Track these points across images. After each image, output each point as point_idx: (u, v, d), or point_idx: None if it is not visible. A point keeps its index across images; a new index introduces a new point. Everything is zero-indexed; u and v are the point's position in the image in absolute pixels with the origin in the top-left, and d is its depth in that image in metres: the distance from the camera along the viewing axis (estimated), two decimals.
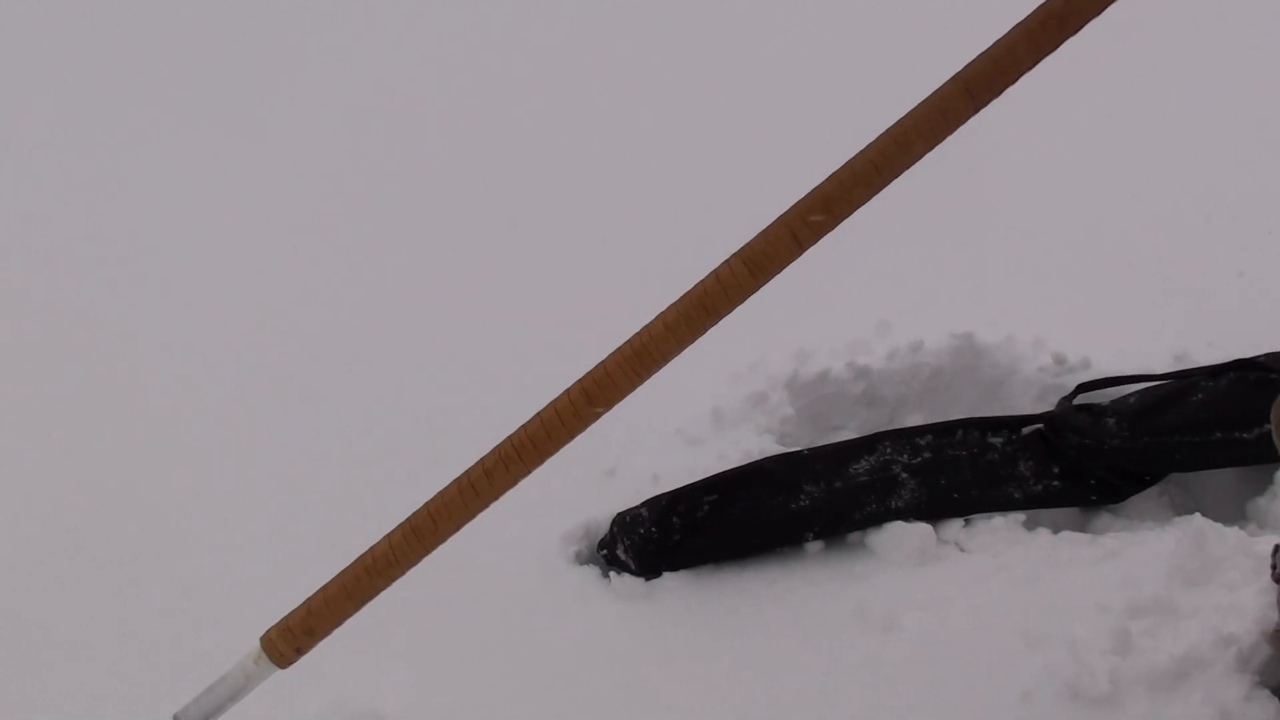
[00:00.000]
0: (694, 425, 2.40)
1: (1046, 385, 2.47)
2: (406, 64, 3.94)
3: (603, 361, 1.36)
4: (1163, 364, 2.39)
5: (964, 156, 3.07)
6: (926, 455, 2.20)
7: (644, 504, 2.11)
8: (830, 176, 1.26)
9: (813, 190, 1.27)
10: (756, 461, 2.18)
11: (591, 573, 2.10)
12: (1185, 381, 2.26)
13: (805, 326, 2.59)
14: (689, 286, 1.35)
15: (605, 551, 2.13)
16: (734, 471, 2.15)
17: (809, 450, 2.21)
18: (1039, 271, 2.71)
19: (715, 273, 1.31)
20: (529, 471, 1.36)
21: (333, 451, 2.42)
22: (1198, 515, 2.09)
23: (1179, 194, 2.92)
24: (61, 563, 2.19)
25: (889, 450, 2.21)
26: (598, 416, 1.32)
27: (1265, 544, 2.01)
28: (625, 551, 2.09)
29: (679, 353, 1.36)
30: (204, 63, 3.84)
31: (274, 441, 2.46)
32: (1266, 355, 2.24)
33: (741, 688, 1.91)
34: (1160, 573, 2.01)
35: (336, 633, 1.97)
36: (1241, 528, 2.08)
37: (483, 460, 1.36)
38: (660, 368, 1.35)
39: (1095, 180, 3.00)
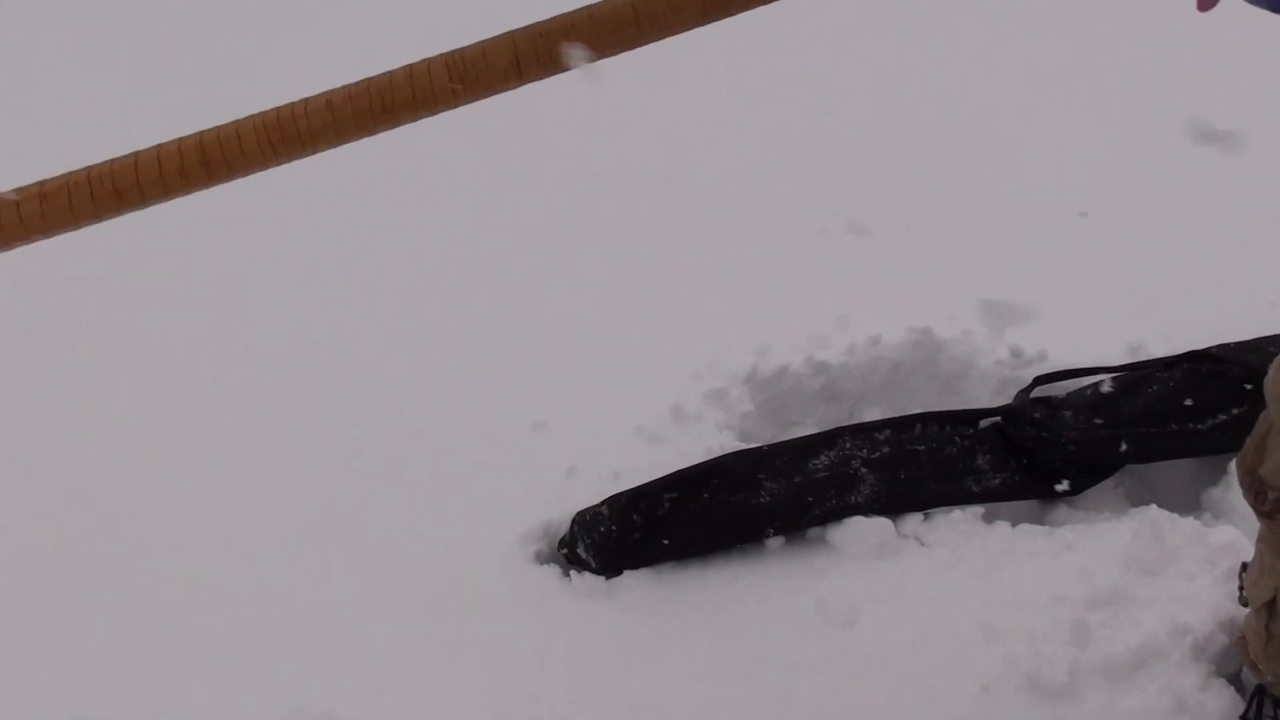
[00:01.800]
0: (654, 423, 2.39)
1: (1004, 378, 2.49)
2: None
3: (237, 121, 1.07)
4: (1118, 356, 2.41)
5: (920, 154, 3.11)
6: (885, 450, 2.20)
7: (604, 502, 2.11)
8: (584, 9, 1.05)
9: (560, 17, 1.04)
10: (717, 458, 2.18)
11: (552, 572, 2.09)
12: (1140, 374, 2.28)
13: (764, 323, 2.59)
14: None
15: (566, 550, 2.12)
16: (694, 468, 2.15)
17: (769, 446, 2.21)
18: (996, 266, 2.72)
19: (410, 67, 1.05)
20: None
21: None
22: (1153, 506, 2.11)
23: (1131, 189, 2.95)
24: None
25: (848, 445, 2.21)
26: (222, 178, 1.05)
27: (1220, 534, 2.04)
28: (586, 550, 2.09)
29: (332, 144, 1.06)
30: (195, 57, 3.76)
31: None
32: (1219, 346, 2.26)
33: (702, 685, 1.91)
34: (1117, 564, 2.03)
35: (296, 638, 1.97)
36: (1196, 518, 2.10)
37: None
38: (306, 152, 1.06)
39: (1048, 176, 3.02)
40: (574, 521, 2.13)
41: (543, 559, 2.14)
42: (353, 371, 2.53)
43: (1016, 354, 2.49)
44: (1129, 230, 2.82)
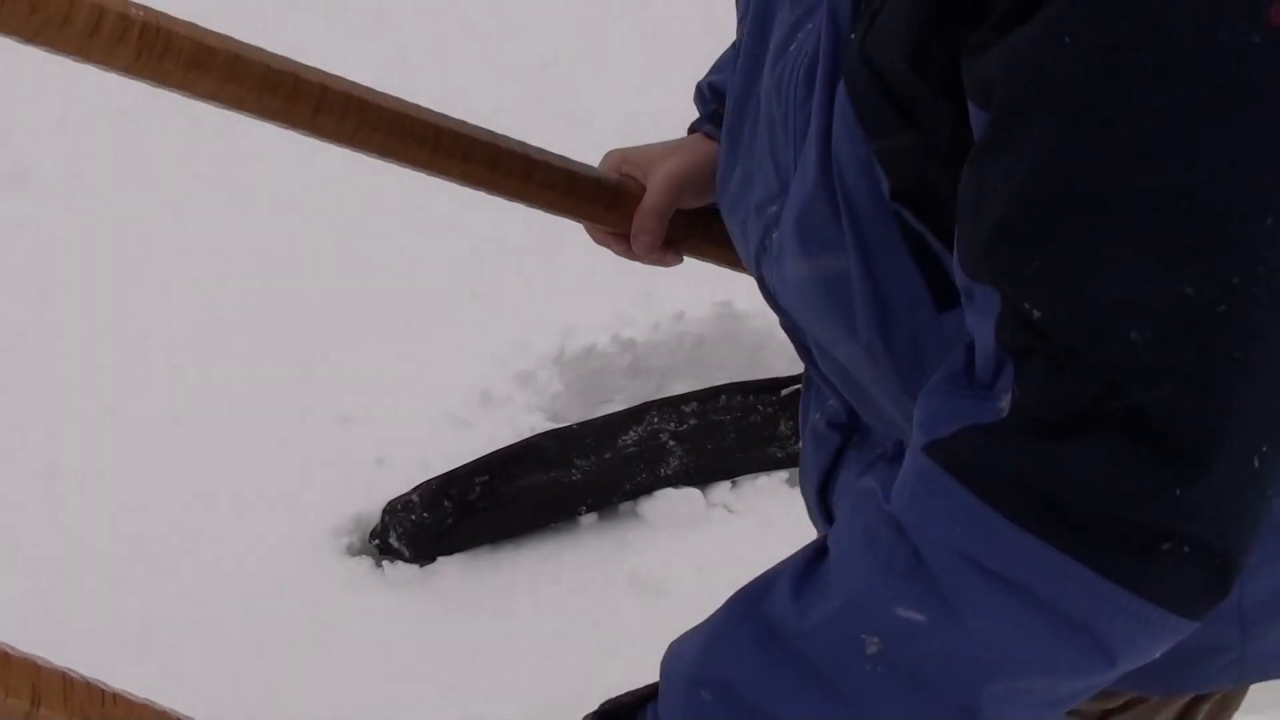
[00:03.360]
0: (462, 407, 2.39)
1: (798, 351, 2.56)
2: None
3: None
4: None
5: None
6: (692, 422, 2.24)
7: (414, 489, 2.09)
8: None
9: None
10: (527, 440, 2.19)
11: (364, 563, 2.07)
12: None
13: (569, 303, 2.60)
14: None
15: (378, 541, 2.10)
16: (505, 450, 2.15)
17: (578, 425, 2.23)
18: None
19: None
20: None
21: None
22: None
23: None
24: None
25: (656, 420, 2.25)
26: None
27: None
28: (398, 539, 2.07)
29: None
30: None
31: None
32: None
33: (517, 664, 1.92)
34: None
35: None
36: None
37: None
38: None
39: None
40: (385, 511, 2.11)
41: (354, 551, 2.11)
42: (146, 365, 2.44)
43: None
44: None
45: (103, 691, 0.80)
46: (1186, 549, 0.62)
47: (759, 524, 2.14)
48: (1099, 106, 0.59)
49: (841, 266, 0.77)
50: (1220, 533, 0.63)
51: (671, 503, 2.13)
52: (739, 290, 2.60)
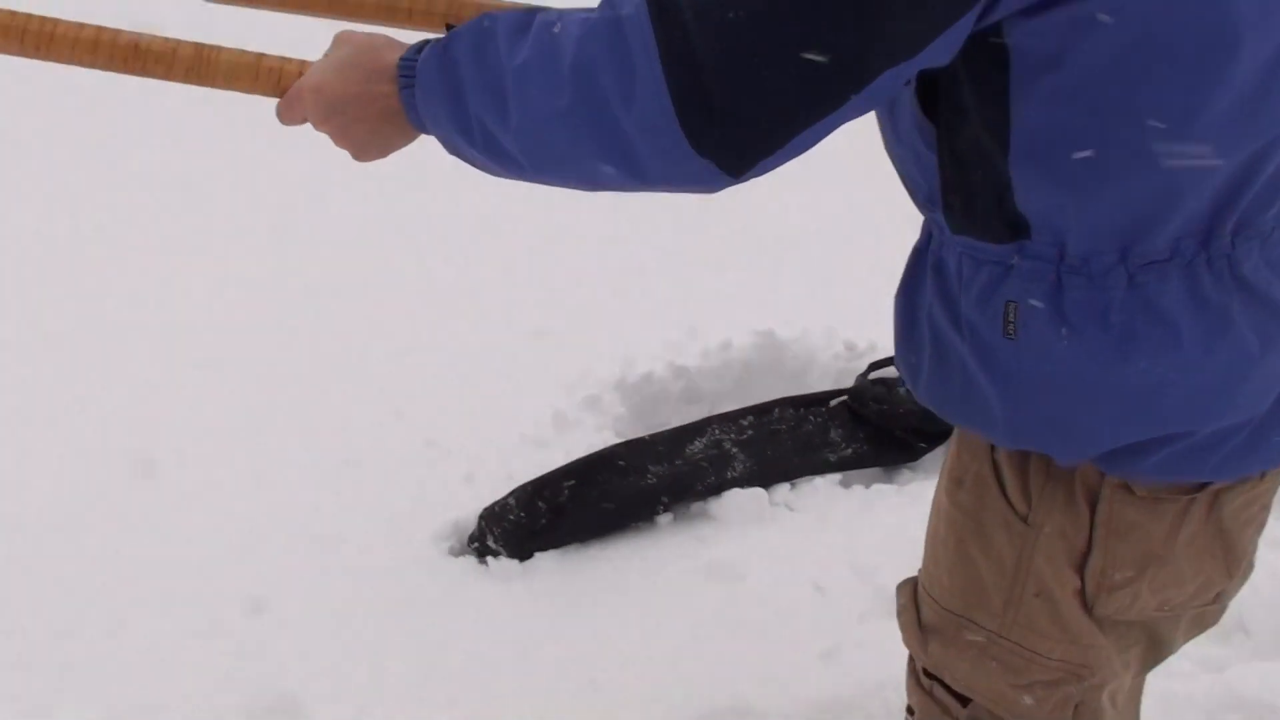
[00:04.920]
0: (537, 429, 2.63)
1: (841, 369, 2.82)
2: None
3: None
4: None
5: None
6: (750, 432, 2.49)
7: (510, 494, 2.33)
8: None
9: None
10: (606, 449, 2.43)
11: (469, 562, 2.30)
12: None
13: (626, 335, 2.87)
14: None
15: (476, 544, 2.32)
16: (588, 457, 2.40)
17: (650, 436, 2.47)
18: (823, 271, 3.07)
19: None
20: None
21: None
22: None
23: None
24: None
25: (717, 431, 2.49)
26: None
27: None
28: (495, 540, 2.30)
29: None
30: None
31: None
32: None
33: (614, 645, 2.14)
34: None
35: (253, 626, 2.12)
36: None
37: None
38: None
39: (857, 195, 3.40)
40: (481, 517, 2.34)
41: (456, 553, 2.34)
42: (254, 393, 2.68)
43: (850, 347, 2.83)
44: None
45: None
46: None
47: (817, 520, 2.38)
48: None
49: None
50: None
51: (739, 501, 2.38)
52: (778, 319, 2.88)
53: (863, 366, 2.71)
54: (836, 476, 2.47)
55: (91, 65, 1.23)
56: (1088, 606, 1.23)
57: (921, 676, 1.35)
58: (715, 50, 0.96)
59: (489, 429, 2.64)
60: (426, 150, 1.23)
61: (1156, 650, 1.31)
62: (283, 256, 3.23)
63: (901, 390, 2.55)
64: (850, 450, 2.50)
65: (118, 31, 1.22)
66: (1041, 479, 1.22)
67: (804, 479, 2.46)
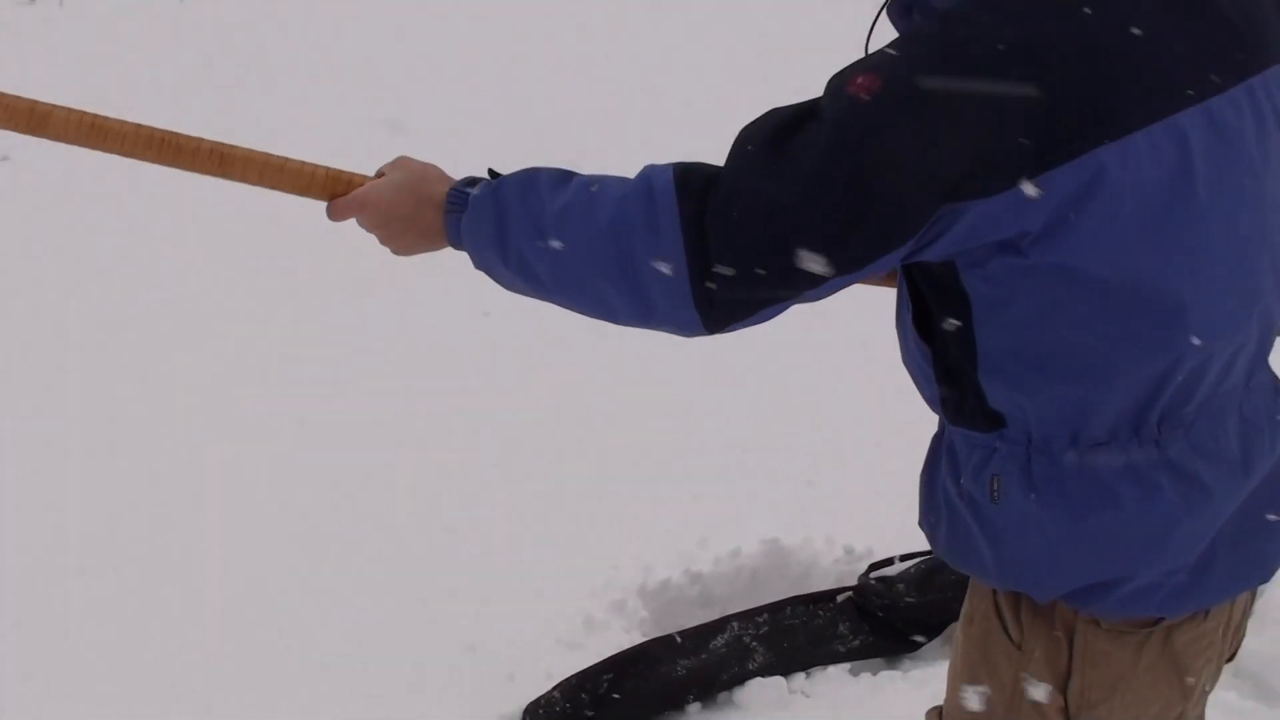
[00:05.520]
0: (570, 633, 2.89)
1: (842, 571, 3.10)
2: None
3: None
4: (925, 543, 3.07)
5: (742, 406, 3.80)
6: (766, 628, 2.76)
7: (555, 688, 2.57)
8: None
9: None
10: (639, 644, 2.69)
11: None
12: None
13: (644, 545, 3.15)
14: None
15: None
16: (624, 653, 2.65)
17: (678, 633, 2.73)
18: (823, 482, 3.39)
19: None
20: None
21: None
22: None
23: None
24: None
25: (737, 627, 2.76)
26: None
27: None
28: None
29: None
30: None
31: None
32: None
33: None
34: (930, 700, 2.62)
35: None
36: None
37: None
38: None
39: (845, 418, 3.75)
40: (526, 711, 2.58)
41: None
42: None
43: (849, 551, 3.12)
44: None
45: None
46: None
47: (831, 705, 2.63)
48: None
49: None
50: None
51: (761, 690, 2.63)
52: (782, 528, 3.17)
53: (860, 568, 3.00)
54: (846, 665, 2.73)
55: (183, 168, 1.55)
56: None
57: None
58: (720, 245, 1.33)
59: (525, 633, 2.90)
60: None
61: None
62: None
63: (900, 586, 2.84)
64: (858, 642, 2.76)
65: (201, 139, 1.56)
66: (1030, 614, 1.52)
67: (817, 668, 2.71)
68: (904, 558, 2.94)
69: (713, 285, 1.33)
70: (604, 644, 2.82)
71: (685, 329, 1.39)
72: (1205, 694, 1.57)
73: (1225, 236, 1.35)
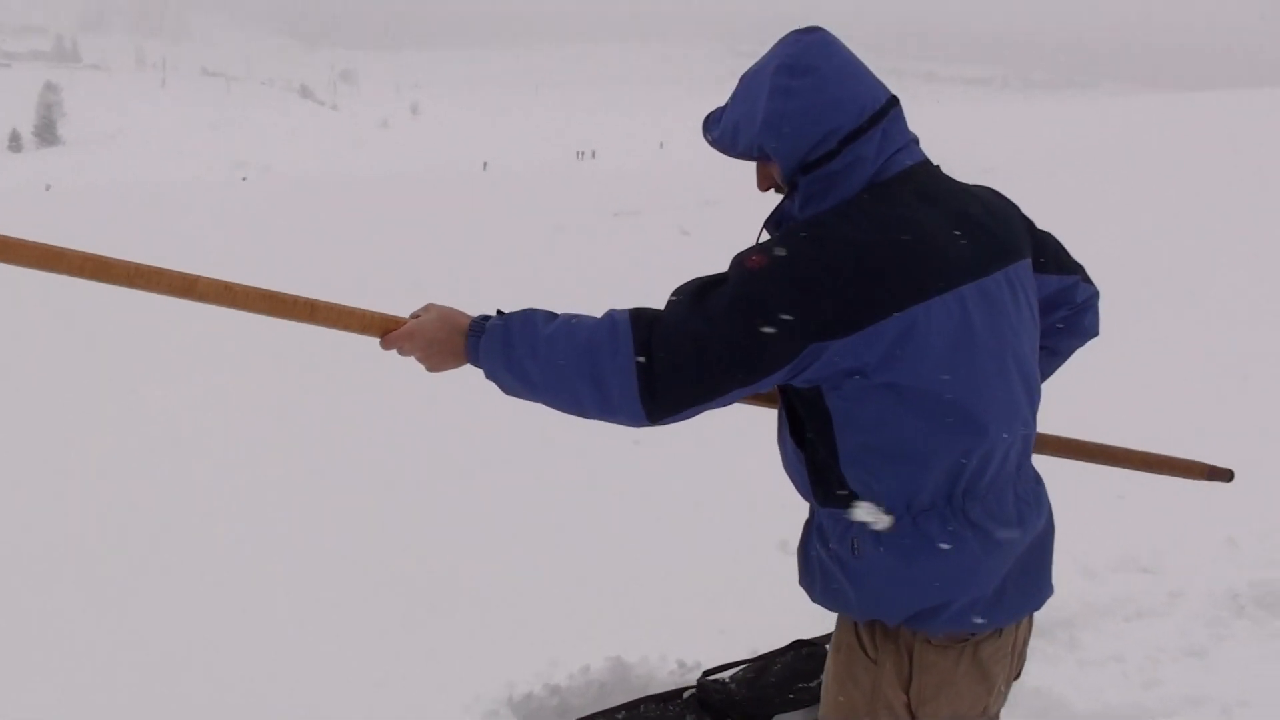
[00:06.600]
0: None
1: (676, 682, 3.67)
2: None
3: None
4: (744, 654, 3.69)
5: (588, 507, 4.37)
6: None
7: None
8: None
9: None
10: None
11: None
12: (768, 659, 3.55)
13: (501, 667, 3.65)
14: None
15: None
16: None
17: None
18: (654, 605, 3.97)
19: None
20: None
21: None
22: None
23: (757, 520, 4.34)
24: None
25: None
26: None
27: None
28: None
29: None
30: None
31: None
32: (817, 638, 3.58)
33: None
34: None
35: None
36: None
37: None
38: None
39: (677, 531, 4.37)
40: None
41: None
42: None
43: (680, 664, 3.70)
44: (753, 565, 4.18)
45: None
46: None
47: None
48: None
49: None
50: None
51: None
52: (625, 645, 3.72)
53: (690, 678, 3.57)
54: None
55: (280, 317, 2.07)
56: (913, 715, 2.12)
57: None
58: (660, 361, 1.97)
59: None
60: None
61: None
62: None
63: (733, 685, 3.43)
64: None
65: (297, 296, 2.09)
66: (882, 637, 2.14)
67: None
68: (731, 665, 3.54)
69: (653, 387, 1.95)
70: None
71: (635, 420, 1.99)
72: (1003, 694, 2.23)
73: (995, 367, 2.07)
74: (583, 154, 64.11)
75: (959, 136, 26.97)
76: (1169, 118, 35.45)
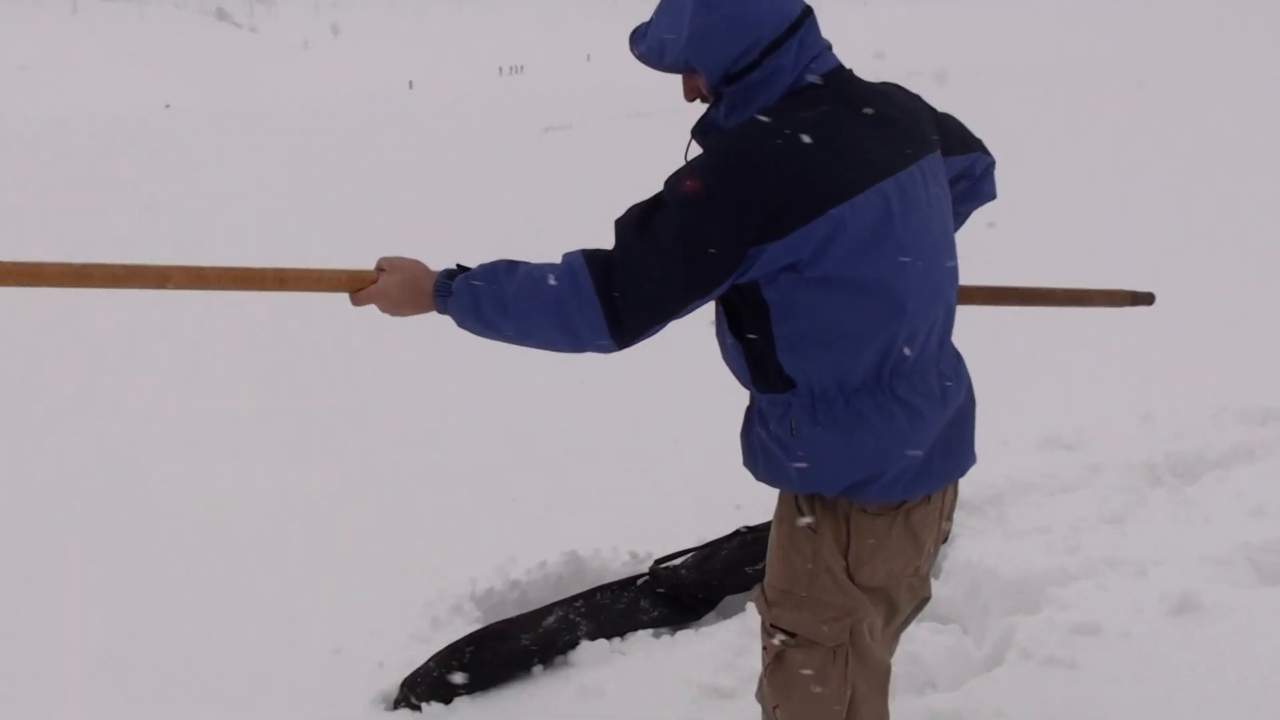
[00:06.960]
0: (421, 630, 3.52)
1: (629, 571, 3.87)
2: None
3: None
4: (693, 543, 3.89)
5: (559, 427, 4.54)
6: (583, 608, 3.48)
7: (429, 659, 3.19)
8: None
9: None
10: (488, 625, 3.35)
11: (406, 713, 3.12)
12: (715, 546, 3.75)
13: (464, 567, 3.83)
14: None
15: (403, 704, 3.15)
16: (478, 632, 3.31)
17: (517, 615, 3.41)
18: (607, 502, 4.16)
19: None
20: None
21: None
22: (736, 618, 3.54)
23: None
24: None
25: (560, 610, 3.47)
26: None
27: None
28: (419, 696, 3.14)
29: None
30: None
31: None
32: (758, 525, 3.79)
33: None
34: (730, 646, 3.42)
35: None
36: None
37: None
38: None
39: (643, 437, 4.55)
40: (404, 684, 3.18)
41: (390, 709, 3.16)
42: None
43: (633, 555, 3.90)
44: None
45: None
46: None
47: (644, 659, 3.38)
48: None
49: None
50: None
51: (588, 652, 3.34)
52: (579, 540, 3.91)
53: (642, 568, 3.77)
54: (650, 631, 3.49)
55: (251, 289, 2.21)
56: (851, 576, 2.32)
57: (768, 628, 2.38)
58: (620, 299, 2.12)
59: (382, 634, 3.50)
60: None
61: (892, 608, 2.41)
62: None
63: (683, 570, 3.64)
64: (657, 613, 3.53)
65: (265, 269, 2.23)
66: (820, 507, 2.33)
67: (630, 634, 3.45)
68: (681, 553, 3.75)
69: (619, 320, 2.11)
70: (451, 637, 3.47)
71: (605, 350, 2.15)
72: (932, 554, 2.43)
73: (916, 252, 2.24)
74: (509, 70, 63.34)
75: (907, 38, 26.99)
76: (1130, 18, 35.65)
